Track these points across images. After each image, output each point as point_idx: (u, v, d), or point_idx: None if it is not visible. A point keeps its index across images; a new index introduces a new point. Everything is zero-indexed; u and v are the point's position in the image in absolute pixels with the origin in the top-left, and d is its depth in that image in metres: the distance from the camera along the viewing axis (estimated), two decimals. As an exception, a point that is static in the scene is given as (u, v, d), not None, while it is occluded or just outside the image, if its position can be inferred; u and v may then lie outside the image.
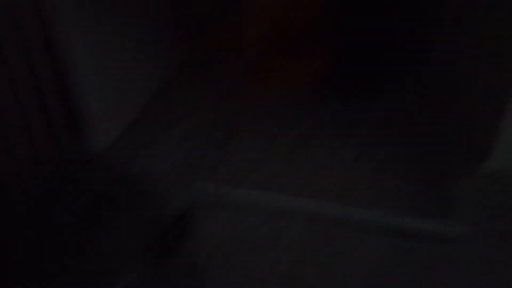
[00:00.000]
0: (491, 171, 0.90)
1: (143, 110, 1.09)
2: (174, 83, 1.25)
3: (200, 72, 1.25)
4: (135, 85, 1.01)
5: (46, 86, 0.73)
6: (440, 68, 1.10)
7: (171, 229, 0.67)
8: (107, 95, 0.88)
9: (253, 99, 1.22)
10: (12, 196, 0.71)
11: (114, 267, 0.63)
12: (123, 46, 0.89)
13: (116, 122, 0.95)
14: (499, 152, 0.86)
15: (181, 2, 1.14)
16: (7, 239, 0.68)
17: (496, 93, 0.86)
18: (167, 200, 0.72)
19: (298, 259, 0.73)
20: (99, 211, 0.72)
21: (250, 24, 1.29)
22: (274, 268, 0.72)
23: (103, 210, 0.72)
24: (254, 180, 0.90)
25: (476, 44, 0.89)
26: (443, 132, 1.02)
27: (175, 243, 0.67)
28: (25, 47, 0.67)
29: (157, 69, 1.11)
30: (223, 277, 0.73)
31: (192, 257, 0.66)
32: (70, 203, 0.72)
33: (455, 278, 0.68)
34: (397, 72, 1.12)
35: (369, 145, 0.99)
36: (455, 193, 0.83)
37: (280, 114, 1.13)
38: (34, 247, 0.69)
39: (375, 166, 0.93)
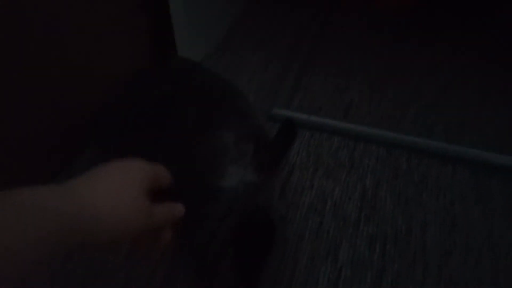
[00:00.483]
0: None
1: (226, 35, 1.21)
2: (254, 10, 1.28)
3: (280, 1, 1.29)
4: (220, 11, 1.18)
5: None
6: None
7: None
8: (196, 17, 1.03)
9: (332, 29, 1.23)
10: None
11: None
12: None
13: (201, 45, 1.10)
14: None
15: None
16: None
17: None
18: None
19: (373, 183, 0.81)
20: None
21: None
22: (350, 189, 0.81)
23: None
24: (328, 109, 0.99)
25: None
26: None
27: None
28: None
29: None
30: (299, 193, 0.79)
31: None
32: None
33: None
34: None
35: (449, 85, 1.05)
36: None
37: (359, 48, 1.17)
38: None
39: (459, 104, 0.99)
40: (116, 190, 0.39)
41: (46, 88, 0.75)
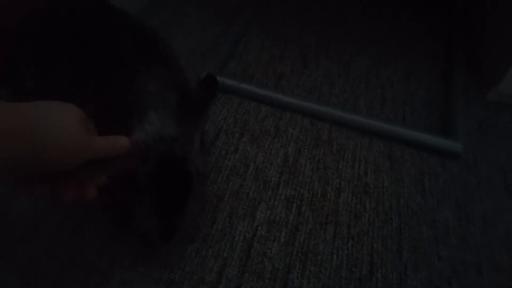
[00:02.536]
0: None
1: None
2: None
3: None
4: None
5: None
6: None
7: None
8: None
9: None
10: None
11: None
12: None
13: None
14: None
15: None
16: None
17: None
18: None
19: (295, 151, 0.84)
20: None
21: None
22: (272, 155, 0.83)
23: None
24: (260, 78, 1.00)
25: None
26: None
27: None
28: None
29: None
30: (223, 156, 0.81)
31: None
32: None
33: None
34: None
35: (377, 61, 1.11)
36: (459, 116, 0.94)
37: (297, 21, 1.18)
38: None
39: (384, 81, 1.04)
40: (59, 115, 0.40)
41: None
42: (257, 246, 0.68)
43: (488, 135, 0.94)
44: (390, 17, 1.30)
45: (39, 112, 0.39)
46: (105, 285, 0.61)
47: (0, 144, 0.35)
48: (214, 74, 0.72)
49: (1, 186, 0.71)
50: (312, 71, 1.05)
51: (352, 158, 0.84)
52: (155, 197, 0.55)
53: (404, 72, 1.09)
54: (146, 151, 0.56)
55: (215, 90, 0.64)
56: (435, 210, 0.77)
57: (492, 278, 0.67)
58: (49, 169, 0.40)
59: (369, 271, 0.66)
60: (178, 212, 0.57)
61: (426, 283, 0.66)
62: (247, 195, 0.75)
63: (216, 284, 0.62)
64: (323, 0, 1.33)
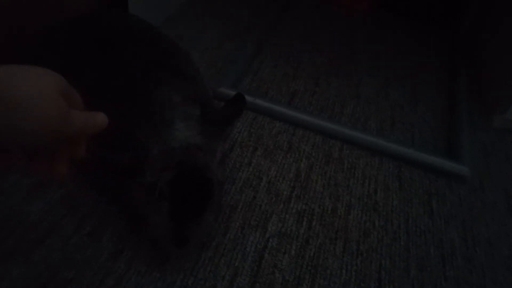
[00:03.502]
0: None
1: (183, 4, 1.20)
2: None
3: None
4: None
5: None
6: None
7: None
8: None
9: (290, 18, 1.27)
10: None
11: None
12: None
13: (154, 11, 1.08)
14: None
15: None
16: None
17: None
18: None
19: (307, 167, 0.86)
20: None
21: None
22: (285, 170, 0.85)
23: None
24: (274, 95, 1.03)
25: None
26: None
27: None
28: None
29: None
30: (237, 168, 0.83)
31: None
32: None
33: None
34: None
35: (386, 84, 1.14)
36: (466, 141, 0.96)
37: (310, 41, 1.23)
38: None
39: (393, 103, 1.08)
40: (36, 81, 0.37)
41: None
42: (268, 257, 0.69)
43: (493, 160, 0.96)
44: (396, 41, 1.34)
45: (11, 76, 0.36)
46: (120, 288, 0.62)
47: None
48: (242, 93, 0.75)
49: (19, 190, 0.73)
50: (324, 90, 1.08)
51: (362, 177, 0.86)
52: (175, 203, 0.57)
53: (412, 95, 1.12)
54: (170, 157, 0.58)
55: (242, 107, 0.67)
56: (442, 231, 0.78)
57: (497, 300, 0.69)
58: (21, 142, 0.37)
59: (377, 287, 0.67)
60: (196, 219, 0.59)
61: (432, 302, 0.67)
62: (260, 207, 0.77)
63: (228, 292, 0.64)
64: (331, 24, 1.37)
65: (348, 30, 1.34)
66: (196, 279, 0.65)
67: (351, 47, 1.27)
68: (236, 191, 0.79)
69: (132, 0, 1.01)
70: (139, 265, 0.65)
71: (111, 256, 0.66)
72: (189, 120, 0.61)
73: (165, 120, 0.60)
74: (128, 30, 0.74)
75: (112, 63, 0.65)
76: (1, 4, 0.73)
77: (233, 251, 0.69)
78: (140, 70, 0.63)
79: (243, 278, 0.66)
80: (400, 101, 1.09)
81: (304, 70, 1.13)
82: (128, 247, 0.67)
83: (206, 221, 0.61)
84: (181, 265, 0.66)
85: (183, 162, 0.57)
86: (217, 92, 0.96)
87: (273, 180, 0.82)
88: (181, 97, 0.62)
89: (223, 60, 1.11)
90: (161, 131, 0.59)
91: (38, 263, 0.63)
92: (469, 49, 1.34)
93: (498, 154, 0.97)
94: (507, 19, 1.18)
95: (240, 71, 1.07)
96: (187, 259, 0.66)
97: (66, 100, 0.41)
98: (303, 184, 0.82)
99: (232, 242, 0.70)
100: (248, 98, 0.96)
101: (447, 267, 0.72)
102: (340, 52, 1.24)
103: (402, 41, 1.35)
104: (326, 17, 1.39)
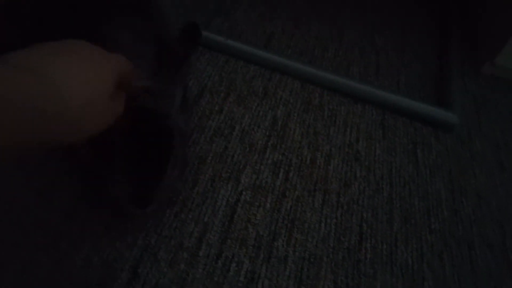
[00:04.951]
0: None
1: None
2: None
3: None
4: None
5: None
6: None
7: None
8: None
9: None
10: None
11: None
12: None
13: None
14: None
15: None
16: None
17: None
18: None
19: (284, 114, 0.79)
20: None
21: None
22: (260, 118, 0.77)
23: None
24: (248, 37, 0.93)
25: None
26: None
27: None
28: None
29: None
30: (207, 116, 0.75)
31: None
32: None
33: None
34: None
35: (372, 29, 1.05)
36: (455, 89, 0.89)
37: None
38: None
39: (379, 49, 1.00)
40: (89, 75, 0.31)
41: None
42: (240, 211, 0.63)
43: (483, 109, 0.91)
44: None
45: (61, 70, 0.28)
46: (75, 252, 0.55)
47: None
48: (195, 22, 0.65)
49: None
50: (304, 33, 0.99)
51: (343, 125, 0.79)
52: (131, 158, 0.49)
53: (399, 41, 1.04)
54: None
55: (197, 40, 0.58)
56: (428, 181, 0.73)
57: (484, 254, 0.65)
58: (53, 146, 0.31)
59: (358, 241, 0.62)
60: (156, 176, 0.51)
61: (416, 256, 0.62)
62: (232, 158, 0.69)
63: (196, 250, 0.57)
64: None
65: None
66: (161, 236, 0.58)
67: (333, -13, 1.16)
68: (206, 141, 0.71)
69: None
70: (95, 226, 0.58)
71: (63, 218, 0.58)
72: (139, 61, 0.52)
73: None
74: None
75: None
76: None
77: (202, 206, 0.62)
78: (82, 5, 0.53)
79: (213, 235, 0.59)
80: (386, 47, 1.01)
81: (282, 11, 1.03)
82: (82, 207, 0.59)
83: (169, 177, 0.53)
84: (143, 223, 0.59)
85: (137, 109, 0.49)
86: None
87: (246, 128, 0.75)
88: (131, 34, 0.53)
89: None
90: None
91: (-23, 223, 0.55)
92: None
93: (488, 104, 0.92)
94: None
95: (211, 10, 0.97)
96: (150, 217, 0.59)
97: (121, 87, 0.37)
98: (280, 133, 0.75)
99: (201, 196, 0.63)
100: (219, 38, 0.87)
101: (432, 220, 0.67)
102: (321, -9, 1.13)
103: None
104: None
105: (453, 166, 0.77)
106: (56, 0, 0.55)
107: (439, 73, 0.97)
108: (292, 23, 1.00)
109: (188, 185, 0.64)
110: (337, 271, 0.59)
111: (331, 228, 0.63)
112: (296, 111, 0.80)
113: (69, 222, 0.57)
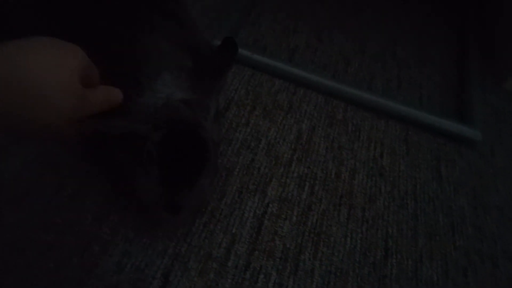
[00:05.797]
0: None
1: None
2: None
3: None
4: None
5: None
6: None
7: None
8: None
9: None
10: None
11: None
12: None
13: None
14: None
15: None
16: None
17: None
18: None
19: (309, 128, 0.80)
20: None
21: None
22: (285, 131, 0.78)
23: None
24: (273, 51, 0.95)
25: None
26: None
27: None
28: None
29: None
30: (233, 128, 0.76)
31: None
32: None
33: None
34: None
35: (393, 41, 1.06)
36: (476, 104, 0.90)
37: None
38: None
39: (400, 62, 1.01)
40: (51, 62, 0.33)
41: None
42: (267, 223, 0.64)
43: (504, 124, 0.91)
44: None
45: (24, 56, 0.31)
46: (106, 256, 0.56)
47: None
48: (232, 37, 0.67)
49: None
50: (326, 46, 1.00)
51: (367, 140, 0.80)
52: (165, 166, 0.51)
53: (420, 54, 1.05)
54: (156, 115, 0.51)
55: (234, 55, 0.59)
56: (451, 198, 0.74)
57: (508, 271, 0.65)
58: (29, 131, 0.34)
59: (383, 256, 0.63)
60: (189, 184, 0.53)
61: (441, 272, 0.63)
62: (258, 171, 0.71)
63: (225, 261, 0.59)
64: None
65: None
66: (190, 246, 0.59)
67: (356, 1, 1.18)
68: (233, 153, 0.72)
69: None
70: (126, 231, 0.59)
71: (95, 220, 0.60)
72: (178, 72, 0.53)
73: (151, 71, 0.52)
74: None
75: (94, 3, 0.56)
76: None
77: (230, 217, 0.64)
78: (126, 10, 0.55)
79: (241, 246, 0.61)
80: (407, 60, 1.02)
81: (305, 25, 1.05)
82: (114, 211, 0.61)
83: (201, 186, 0.55)
84: (174, 231, 0.60)
85: (174, 120, 0.50)
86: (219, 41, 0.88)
87: (272, 141, 0.76)
88: (171, 44, 0.55)
89: (217, 11, 1.01)
90: (147, 84, 0.52)
91: (15, 227, 0.57)
92: (481, 6, 1.26)
93: (509, 119, 0.92)
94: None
95: (236, 23, 0.99)
96: (180, 225, 0.61)
97: (85, 78, 0.37)
98: (305, 147, 0.76)
99: (229, 207, 0.65)
100: (245, 52, 0.88)
101: (457, 236, 0.68)
102: (344, 5, 1.14)
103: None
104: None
105: (476, 183, 0.77)
106: (100, 8, 0.57)
107: (460, 86, 0.98)
108: (315, 36, 1.02)
109: (217, 196, 0.66)
110: (363, 285, 0.59)
111: (356, 243, 0.64)
112: (320, 125, 0.81)
113: (100, 225, 0.59)
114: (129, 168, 0.55)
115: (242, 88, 0.84)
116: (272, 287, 0.57)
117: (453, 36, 1.14)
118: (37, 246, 0.56)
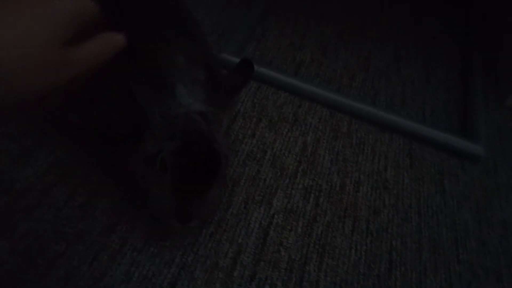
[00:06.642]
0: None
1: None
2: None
3: None
4: None
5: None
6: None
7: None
8: None
9: None
10: None
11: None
12: None
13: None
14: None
15: None
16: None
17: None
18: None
19: (314, 141, 0.81)
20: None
21: None
22: (290, 143, 0.80)
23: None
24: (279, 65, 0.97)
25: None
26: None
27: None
28: None
29: None
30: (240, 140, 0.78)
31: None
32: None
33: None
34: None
35: (397, 57, 1.08)
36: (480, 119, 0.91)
37: (317, 9, 1.17)
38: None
39: (404, 78, 1.02)
40: (28, 23, 0.29)
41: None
42: (273, 234, 0.65)
43: (507, 141, 0.92)
44: (407, 14, 1.27)
45: None
46: (114, 265, 0.57)
47: None
48: (250, 59, 0.69)
49: (5, 156, 0.67)
50: (331, 61, 1.02)
51: (371, 153, 0.81)
52: (179, 176, 0.52)
53: (424, 71, 1.06)
54: (173, 125, 0.52)
55: (250, 74, 0.61)
56: (455, 212, 0.74)
57: (512, 285, 0.65)
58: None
59: (388, 269, 0.64)
60: (201, 194, 0.54)
61: (445, 285, 0.63)
62: (264, 182, 0.72)
63: (231, 271, 0.59)
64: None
65: (355, 0, 1.27)
66: (197, 256, 0.60)
67: (360, 17, 1.20)
68: (239, 164, 0.74)
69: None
70: (135, 241, 0.60)
71: (105, 230, 0.61)
72: (194, 85, 0.55)
73: (167, 84, 0.54)
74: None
75: (116, 17, 0.58)
76: None
77: (236, 227, 0.64)
78: (144, 25, 0.57)
79: (247, 256, 0.61)
80: (411, 76, 1.03)
81: (310, 40, 1.07)
82: (123, 221, 0.62)
83: (212, 197, 0.56)
84: (181, 241, 0.61)
85: (188, 131, 0.52)
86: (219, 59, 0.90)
87: (278, 153, 0.77)
88: (186, 59, 0.56)
89: (225, 26, 1.04)
90: (163, 96, 0.53)
91: (26, 236, 0.58)
92: (484, 24, 1.28)
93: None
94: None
95: (243, 37, 1.01)
96: (187, 235, 0.62)
97: (82, 26, 0.33)
98: (310, 159, 0.77)
99: (235, 217, 0.66)
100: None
101: (461, 250, 0.69)
102: (349, 22, 1.17)
103: (414, 13, 1.28)
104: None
105: (480, 197, 0.78)
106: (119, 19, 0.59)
107: (463, 102, 0.99)
108: (320, 51, 1.04)
109: (223, 206, 0.66)
110: (368, 297, 0.60)
111: (361, 255, 0.65)
112: (325, 138, 0.82)
113: (109, 235, 0.60)
114: (142, 177, 0.56)
115: (248, 101, 0.86)
116: (277, 298, 0.58)
117: (457, 53, 1.16)
118: (48, 255, 0.57)
